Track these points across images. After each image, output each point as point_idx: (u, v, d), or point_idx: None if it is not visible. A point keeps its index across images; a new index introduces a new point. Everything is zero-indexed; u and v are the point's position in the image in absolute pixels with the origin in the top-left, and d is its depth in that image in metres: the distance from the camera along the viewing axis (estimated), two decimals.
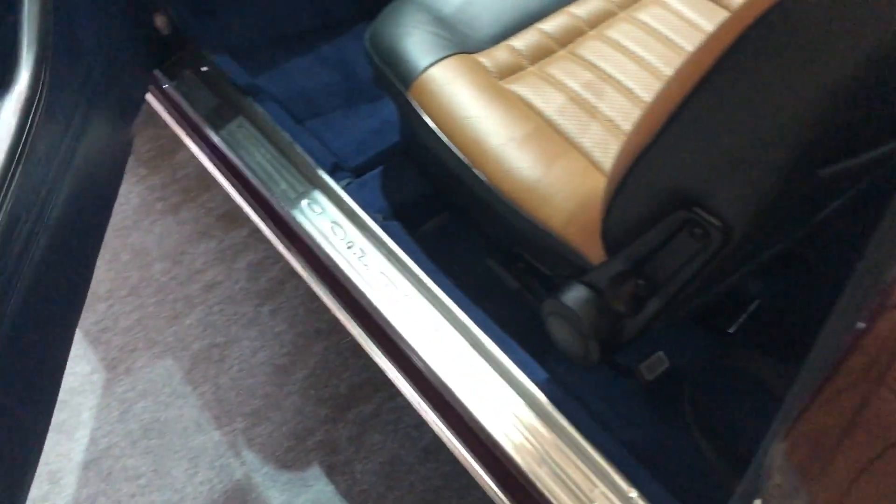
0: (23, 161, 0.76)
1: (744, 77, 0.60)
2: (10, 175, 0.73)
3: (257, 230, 1.70)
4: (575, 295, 0.88)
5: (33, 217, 0.83)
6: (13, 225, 0.77)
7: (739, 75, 0.61)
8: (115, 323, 1.58)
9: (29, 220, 0.83)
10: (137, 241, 1.71)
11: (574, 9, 1.16)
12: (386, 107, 1.46)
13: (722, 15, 1.15)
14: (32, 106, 0.77)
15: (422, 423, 1.41)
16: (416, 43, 1.07)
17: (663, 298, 0.83)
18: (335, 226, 1.18)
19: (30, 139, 0.77)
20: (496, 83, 1.06)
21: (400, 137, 1.33)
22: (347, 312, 1.18)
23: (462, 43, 1.10)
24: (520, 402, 0.99)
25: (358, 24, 1.63)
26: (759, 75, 0.60)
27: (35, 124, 0.78)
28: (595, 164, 0.99)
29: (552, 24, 1.14)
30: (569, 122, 1.02)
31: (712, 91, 0.63)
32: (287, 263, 1.63)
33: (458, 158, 1.01)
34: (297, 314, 1.58)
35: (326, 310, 1.57)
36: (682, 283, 0.80)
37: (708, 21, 1.14)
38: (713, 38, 0.63)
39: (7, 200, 0.74)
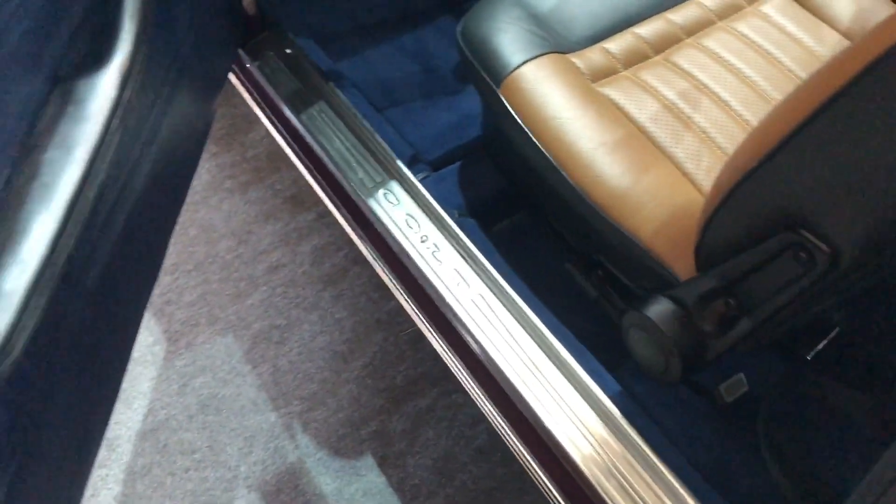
0: (117, 134, 0.76)
1: (876, 104, 0.58)
2: (103, 148, 0.74)
3: (324, 215, 1.71)
4: (660, 309, 0.86)
5: (118, 189, 0.84)
6: (101, 197, 0.77)
7: (871, 102, 0.58)
8: (180, 297, 1.59)
9: (114, 192, 0.83)
10: (205, 217, 1.72)
11: (671, 15, 1.13)
12: (464, 101, 1.44)
13: (826, 31, 1.11)
14: (129, 80, 0.78)
15: (477, 423, 1.40)
16: (510, 39, 1.06)
17: (754, 321, 0.80)
18: (410, 218, 1.17)
19: (124, 113, 0.77)
20: (589, 85, 1.04)
21: (481, 133, 1.31)
22: (416, 306, 1.17)
23: (556, 42, 1.08)
24: (590, 413, 0.98)
25: (439, 16, 1.62)
26: (894, 103, 0.57)
27: (130, 98, 0.78)
28: (687, 176, 0.96)
29: (648, 29, 1.11)
30: (662, 131, 1.00)
31: (838, 115, 0.60)
32: (351, 251, 1.64)
33: (546, 159, 0.99)
34: (359, 302, 1.57)
35: (388, 300, 1.57)
36: (778, 306, 0.77)
37: (810, 37, 1.11)
38: (840, 61, 0.61)
39: (99, 173, 0.74)
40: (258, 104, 1.45)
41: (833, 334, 1.10)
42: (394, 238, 1.15)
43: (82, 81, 0.76)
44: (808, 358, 1.08)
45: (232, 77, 1.50)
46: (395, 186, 1.22)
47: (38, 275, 0.67)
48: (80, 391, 0.85)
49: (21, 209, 0.69)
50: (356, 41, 1.55)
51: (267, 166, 1.82)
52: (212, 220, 1.72)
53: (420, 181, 1.22)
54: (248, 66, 1.42)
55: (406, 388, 1.45)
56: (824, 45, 1.11)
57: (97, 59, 0.78)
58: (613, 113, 1.01)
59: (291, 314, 1.56)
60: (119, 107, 0.77)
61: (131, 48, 0.79)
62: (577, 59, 1.07)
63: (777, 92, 1.05)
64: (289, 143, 1.37)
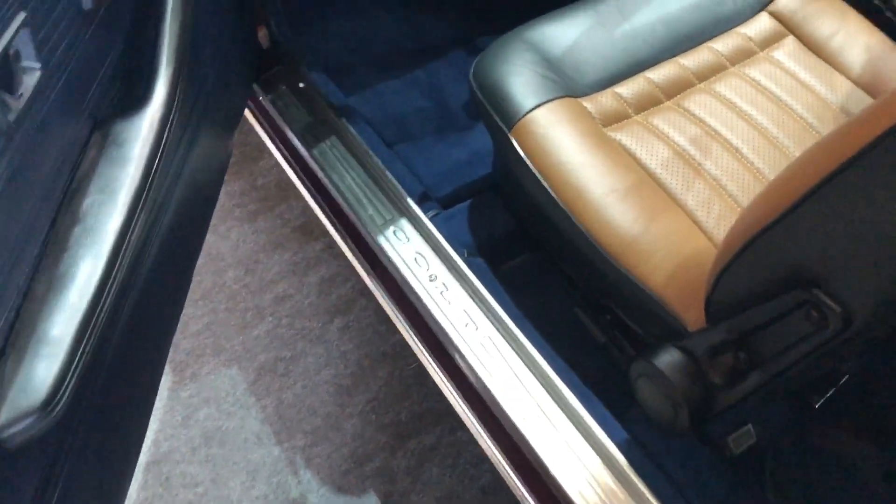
0: (156, 178, 0.77)
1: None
2: (145, 191, 0.74)
3: (332, 245, 1.71)
4: (669, 359, 0.86)
5: (147, 228, 0.84)
6: (144, 240, 0.77)
7: (890, 167, 0.57)
8: (186, 326, 1.59)
9: (144, 231, 0.84)
10: (213, 245, 1.73)
11: (683, 60, 1.14)
12: (475, 137, 1.45)
13: (838, 79, 1.12)
14: (168, 123, 0.78)
15: (481, 462, 1.39)
16: (522, 83, 1.06)
17: (764, 376, 0.80)
18: (419, 257, 1.17)
19: (163, 156, 0.78)
20: (600, 131, 1.04)
21: (492, 172, 1.31)
22: (423, 345, 1.16)
23: (568, 86, 1.08)
24: (596, 461, 0.97)
25: (452, 50, 1.63)
26: None
27: (168, 141, 0.79)
28: (697, 224, 0.96)
29: (659, 74, 1.12)
30: (673, 178, 1.00)
31: (857, 178, 0.60)
32: (358, 282, 1.64)
33: (556, 204, 0.99)
34: (365, 335, 1.57)
35: (394, 333, 1.57)
36: (788, 363, 0.77)
37: (822, 84, 1.11)
38: (862, 121, 0.61)
39: (142, 216, 0.74)
40: (270, 138, 1.46)
41: (842, 381, 1.10)
42: (402, 276, 1.15)
43: (122, 123, 0.76)
44: (816, 406, 1.07)
45: (245, 110, 1.50)
46: (404, 224, 1.22)
47: (86, 320, 0.67)
48: (111, 438, 0.85)
49: (66, 254, 0.69)
50: (369, 75, 1.56)
51: (276, 195, 1.82)
52: (220, 249, 1.72)
53: (430, 219, 1.22)
54: (261, 99, 1.43)
55: (411, 425, 1.44)
56: (836, 92, 1.11)
57: (134, 99, 0.78)
58: (624, 159, 1.01)
59: (297, 346, 1.56)
60: (160, 149, 0.77)
61: (169, 89, 0.80)
62: (588, 103, 1.07)
63: (789, 139, 1.05)
64: (300, 178, 1.38)
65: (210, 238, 1.74)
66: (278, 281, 1.67)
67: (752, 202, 0.74)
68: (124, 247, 0.71)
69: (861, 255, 0.65)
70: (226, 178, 1.86)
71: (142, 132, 0.76)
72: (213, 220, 1.78)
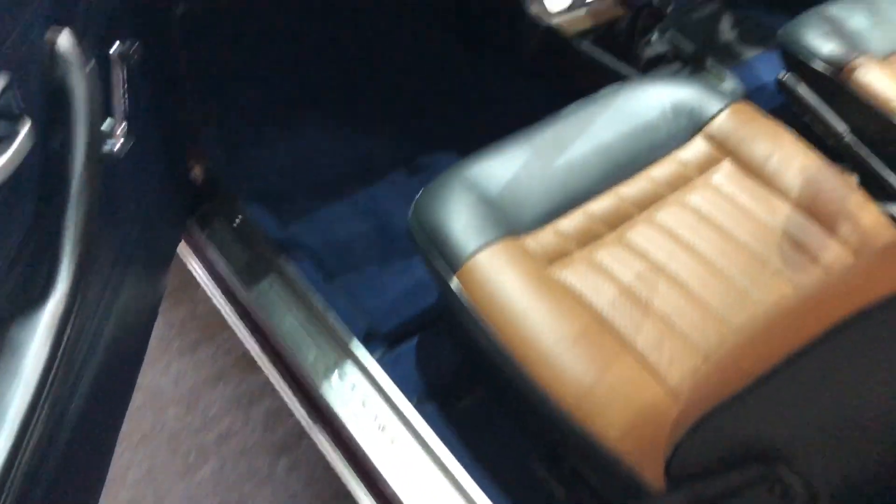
0: (58, 377, 0.70)
1: (863, 353, 0.55)
2: (41, 404, 0.67)
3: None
4: None
5: (64, 399, 0.77)
6: (37, 457, 0.71)
7: (857, 350, 0.55)
8: (125, 473, 1.50)
9: (59, 404, 0.77)
10: (153, 382, 1.65)
11: (622, 189, 1.13)
12: (418, 264, 1.41)
13: (776, 202, 1.11)
14: (70, 319, 0.71)
15: None
16: (463, 225, 1.03)
17: None
18: (366, 406, 1.12)
19: (65, 354, 0.71)
20: (544, 273, 1.01)
21: (437, 306, 1.28)
22: (372, 498, 1.10)
23: (508, 225, 1.06)
24: None
25: (393, 171, 1.61)
26: (881, 355, 0.55)
27: (70, 335, 0.72)
28: (649, 368, 0.93)
29: (599, 206, 1.11)
30: (621, 319, 0.98)
31: (817, 362, 0.57)
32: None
33: (504, 354, 0.95)
34: (315, 473, 1.50)
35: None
36: None
37: (762, 208, 1.11)
38: (821, 300, 0.59)
39: (35, 432, 0.67)
40: (208, 276, 1.40)
41: None
42: (348, 428, 1.10)
43: (16, 326, 0.69)
44: None
45: (182, 247, 1.45)
46: (349, 369, 1.17)
47: None
48: None
49: None
50: (308, 201, 1.53)
51: (217, 322, 1.75)
52: (159, 385, 1.64)
53: (377, 361, 1.17)
54: (196, 236, 1.39)
55: None
56: (776, 216, 1.11)
57: (32, 295, 0.71)
58: (570, 302, 0.98)
59: (244, 490, 1.47)
60: (58, 352, 0.70)
61: (71, 286, 0.72)
62: (530, 240, 1.05)
63: (733, 268, 1.04)
64: (238, 319, 1.33)
65: (149, 374, 1.66)
66: (222, 417, 1.59)
67: (707, 372, 0.72)
68: (13, 474, 0.64)
69: (828, 434, 0.62)
70: (165, 306, 1.79)
71: (38, 333, 0.69)
72: (153, 355, 1.70)
